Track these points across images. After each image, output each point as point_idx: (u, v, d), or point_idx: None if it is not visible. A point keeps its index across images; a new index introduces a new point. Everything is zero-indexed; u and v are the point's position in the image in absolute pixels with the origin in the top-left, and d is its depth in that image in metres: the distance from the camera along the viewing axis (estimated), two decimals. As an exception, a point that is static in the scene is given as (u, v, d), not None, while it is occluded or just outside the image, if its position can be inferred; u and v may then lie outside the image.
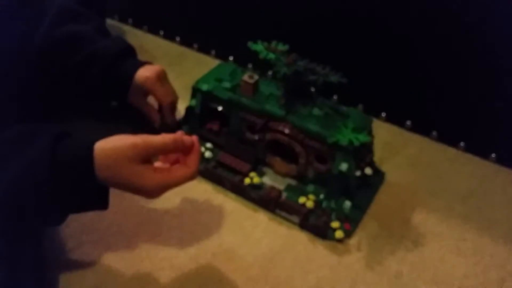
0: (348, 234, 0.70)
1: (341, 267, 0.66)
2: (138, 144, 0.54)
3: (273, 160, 0.80)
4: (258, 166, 0.81)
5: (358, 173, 0.74)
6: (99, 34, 0.81)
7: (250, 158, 0.81)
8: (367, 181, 0.77)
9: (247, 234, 0.71)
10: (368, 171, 0.75)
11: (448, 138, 0.91)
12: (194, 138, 0.59)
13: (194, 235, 0.70)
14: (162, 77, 0.81)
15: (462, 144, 0.89)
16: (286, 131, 0.75)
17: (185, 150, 0.58)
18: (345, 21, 0.90)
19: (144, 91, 0.81)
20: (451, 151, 0.89)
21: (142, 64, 0.81)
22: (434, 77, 0.88)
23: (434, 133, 0.92)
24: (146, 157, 0.55)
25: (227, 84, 0.81)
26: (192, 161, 0.58)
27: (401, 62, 0.89)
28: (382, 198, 0.78)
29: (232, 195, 0.77)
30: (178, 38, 1.18)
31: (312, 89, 0.78)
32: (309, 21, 0.94)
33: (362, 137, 0.70)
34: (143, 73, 0.79)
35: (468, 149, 0.89)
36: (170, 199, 0.74)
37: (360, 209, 0.74)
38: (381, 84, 0.92)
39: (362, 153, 0.75)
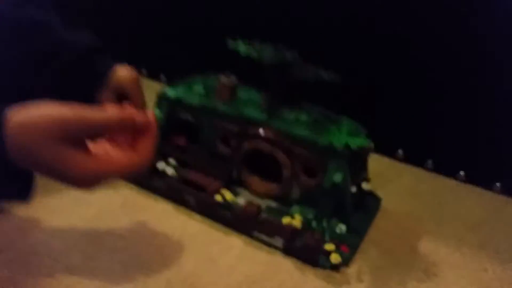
0: (346, 259, 0.56)
1: (340, 299, 0.51)
2: (68, 119, 0.40)
3: (250, 178, 0.67)
4: (231, 186, 0.67)
5: (353, 189, 0.61)
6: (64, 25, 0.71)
7: (223, 175, 0.67)
8: (363, 201, 0.64)
9: (215, 260, 0.55)
10: (366, 186, 0.62)
11: (445, 168, 0.80)
12: (151, 116, 0.46)
13: (142, 260, 0.53)
14: (140, 80, 0.71)
15: (462, 173, 0.79)
16: (268, 136, 0.62)
17: (136, 131, 0.44)
18: (342, 33, 0.82)
19: (120, 91, 0.68)
20: (450, 181, 0.78)
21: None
22: (428, 101, 0.79)
23: (430, 162, 0.81)
24: (79, 136, 0.41)
25: (199, 89, 0.70)
26: (144, 146, 0.44)
27: (391, 84, 0.81)
28: (381, 224, 0.64)
29: (198, 217, 0.62)
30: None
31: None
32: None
33: (360, 141, 0.58)
34: (126, 72, 0.68)
35: (469, 180, 0.79)
36: (115, 217, 0.59)
37: (357, 232, 0.60)
38: (369, 110, 0.83)
39: (358, 166, 0.62)
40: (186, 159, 0.70)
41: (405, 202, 0.71)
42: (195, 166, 0.69)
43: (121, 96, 0.71)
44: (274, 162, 0.64)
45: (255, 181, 0.66)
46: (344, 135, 0.59)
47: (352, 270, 0.55)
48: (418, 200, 0.72)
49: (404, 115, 0.81)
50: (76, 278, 0.49)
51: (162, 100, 0.71)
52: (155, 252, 0.55)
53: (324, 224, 0.59)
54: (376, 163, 0.78)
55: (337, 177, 0.59)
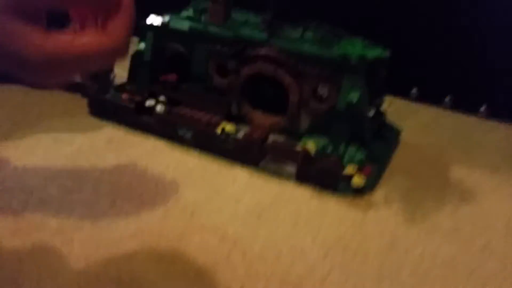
0: (370, 184, 0.48)
1: (369, 222, 0.43)
2: None
3: (252, 113, 0.58)
4: (231, 121, 0.58)
5: (371, 112, 0.53)
6: None
7: (221, 110, 0.58)
8: (382, 130, 0.57)
9: (218, 191, 0.47)
10: (384, 110, 0.54)
11: (465, 104, 0.73)
12: None
13: (133, 193, 0.45)
14: None
15: (483, 108, 0.72)
16: (270, 54, 0.54)
17: (105, 10, 0.35)
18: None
19: None
20: (471, 118, 0.71)
21: None
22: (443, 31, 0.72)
23: (448, 99, 0.74)
24: (34, 7, 0.32)
25: (188, 13, 0.61)
26: (115, 26, 0.34)
27: (403, 17, 0.74)
28: (404, 155, 0.57)
29: (195, 153, 0.54)
30: None
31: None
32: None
33: (378, 52, 0.51)
34: None
35: (492, 114, 0.72)
36: (100, 153, 0.51)
37: (379, 159, 0.52)
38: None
39: (376, 83, 0.55)
40: (178, 97, 0.61)
41: (426, 136, 0.64)
42: (188, 103, 0.60)
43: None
44: (278, 89, 0.56)
45: (258, 115, 0.58)
46: (359, 48, 0.52)
47: (377, 196, 0.47)
48: (439, 134, 0.65)
49: (417, 49, 0.74)
50: (52, 210, 0.41)
51: (147, 30, 0.63)
52: (148, 185, 0.46)
53: (341, 150, 0.51)
54: (389, 103, 0.71)
55: (353, 96, 0.51)
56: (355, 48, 0.52)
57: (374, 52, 0.51)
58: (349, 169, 0.47)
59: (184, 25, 0.60)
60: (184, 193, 0.45)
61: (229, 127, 0.55)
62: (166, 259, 0.36)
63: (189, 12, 0.61)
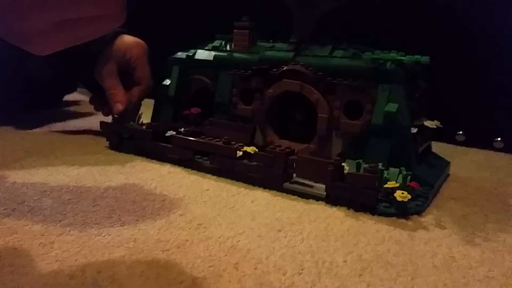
0: (418, 205, 0.39)
1: (418, 241, 0.34)
2: None
3: (278, 143, 0.53)
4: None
5: (413, 129, 0.47)
6: None
7: (245, 138, 0.54)
8: (428, 153, 0.49)
9: (234, 208, 0.40)
10: (429, 123, 0.47)
11: None
12: None
13: (137, 206, 0.39)
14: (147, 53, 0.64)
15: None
16: (296, 68, 0.50)
17: None
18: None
19: (121, 64, 0.61)
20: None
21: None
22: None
23: (498, 141, 0.66)
24: None
25: (214, 44, 0.60)
26: None
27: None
28: (456, 186, 0.49)
29: (213, 177, 0.48)
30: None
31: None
32: None
33: (416, 57, 0.45)
34: (132, 40, 0.62)
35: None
36: (105, 173, 0.46)
37: (426, 183, 0.44)
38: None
39: (416, 98, 0.48)
40: (201, 130, 0.57)
41: (479, 171, 0.55)
42: (211, 134, 0.56)
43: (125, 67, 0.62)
44: (306, 116, 0.51)
45: (285, 144, 0.53)
46: (395, 55, 0.46)
47: (428, 219, 0.39)
48: (494, 170, 0.56)
49: (459, 93, 0.68)
50: (40, 217, 0.35)
51: (172, 64, 0.61)
52: (154, 201, 0.40)
53: (381, 170, 0.44)
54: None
55: (391, 106, 0.45)
56: (391, 55, 0.47)
57: (411, 58, 0.46)
58: (391, 184, 0.40)
59: (209, 55, 0.58)
60: (193, 209, 0.39)
61: (250, 148, 0.49)
62: (158, 265, 0.29)
63: (214, 43, 0.59)
